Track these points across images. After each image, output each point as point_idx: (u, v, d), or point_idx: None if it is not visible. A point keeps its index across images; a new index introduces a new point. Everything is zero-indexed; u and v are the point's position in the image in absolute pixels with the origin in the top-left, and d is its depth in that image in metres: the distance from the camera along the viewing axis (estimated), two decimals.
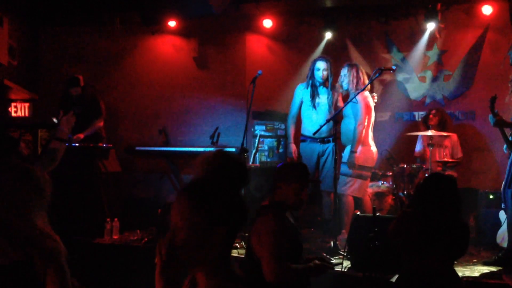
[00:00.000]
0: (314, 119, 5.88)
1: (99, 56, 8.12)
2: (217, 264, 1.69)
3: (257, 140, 7.01)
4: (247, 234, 5.42)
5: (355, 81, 5.67)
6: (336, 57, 7.34)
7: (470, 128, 7.14)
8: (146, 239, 5.65)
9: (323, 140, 5.87)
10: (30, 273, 2.06)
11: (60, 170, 3.99)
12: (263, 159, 7.10)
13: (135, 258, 5.45)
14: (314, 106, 5.91)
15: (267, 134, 7.18)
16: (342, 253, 4.83)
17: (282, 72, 7.60)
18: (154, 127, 7.76)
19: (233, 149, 6.67)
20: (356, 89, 5.61)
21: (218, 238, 1.67)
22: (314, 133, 5.69)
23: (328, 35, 7.41)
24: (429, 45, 7.29)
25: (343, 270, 4.55)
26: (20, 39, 7.62)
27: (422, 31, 7.17)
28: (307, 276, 3.25)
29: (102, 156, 6.39)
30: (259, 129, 7.14)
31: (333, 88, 5.92)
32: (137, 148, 7.18)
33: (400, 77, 7.50)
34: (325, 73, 5.85)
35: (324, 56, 6.10)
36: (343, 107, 5.56)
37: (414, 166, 6.10)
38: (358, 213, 5.29)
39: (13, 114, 7.03)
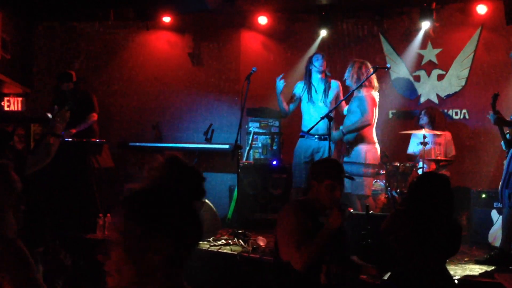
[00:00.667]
0: (312, 115, 5.91)
1: (93, 51, 8.08)
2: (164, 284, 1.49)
3: (251, 137, 7.01)
4: (241, 231, 5.46)
5: (355, 76, 5.70)
6: (331, 54, 7.36)
7: (463, 127, 7.17)
8: None
9: (320, 137, 5.89)
10: None
11: (53, 165, 3.97)
12: (257, 156, 7.09)
13: None
14: (311, 103, 5.95)
15: (261, 131, 7.16)
16: None
17: (276, 69, 7.56)
18: (147, 123, 7.74)
19: (227, 146, 6.68)
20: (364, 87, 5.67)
21: (161, 251, 1.46)
22: (308, 131, 5.71)
23: (323, 33, 7.41)
24: (424, 44, 7.30)
25: None
26: (13, 32, 7.56)
27: (417, 30, 7.19)
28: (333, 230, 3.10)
29: (95, 151, 6.36)
30: (253, 126, 7.13)
31: (328, 84, 5.98)
32: (130, 143, 7.16)
33: (394, 75, 7.51)
34: (324, 62, 5.93)
35: (318, 52, 6.22)
36: (337, 105, 5.57)
37: (408, 165, 6.11)
38: (351, 210, 5.30)
39: (6, 108, 7.00)
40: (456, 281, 4.17)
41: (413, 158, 6.72)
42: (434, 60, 7.33)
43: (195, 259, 5.33)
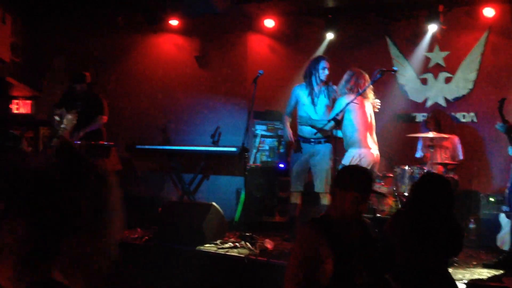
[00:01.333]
0: (314, 117, 5.87)
1: (102, 54, 8.12)
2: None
3: (257, 140, 7.03)
4: (248, 234, 5.47)
5: (348, 86, 5.64)
6: (338, 57, 7.35)
7: (471, 131, 7.14)
8: (146, 237, 5.66)
9: (315, 141, 5.86)
10: None
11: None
12: (264, 159, 7.11)
13: (135, 256, 5.45)
14: (313, 106, 5.91)
15: (268, 134, 7.19)
16: None
17: (283, 72, 7.60)
18: (155, 126, 7.78)
19: (234, 149, 6.70)
20: (351, 94, 5.59)
21: (14, 232, 1.31)
22: (316, 133, 5.69)
23: (330, 36, 7.41)
24: (431, 46, 7.29)
25: None
26: (23, 36, 7.62)
27: (424, 33, 7.17)
28: None
29: (103, 154, 6.38)
30: (260, 129, 7.16)
31: (330, 88, 5.91)
32: (138, 146, 7.20)
33: (401, 78, 7.51)
34: (328, 72, 5.87)
35: (324, 56, 6.10)
36: (343, 108, 5.48)
37: (415, 168, 6.10)
38: None
39: (15, 111, 7.04)
40: (464, 285, 4.17)
41: (423, 159, 6.70)
42: (442, 63, 7.32)
43: (203, 262, 5.32)
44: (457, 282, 3.46)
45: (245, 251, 5.14)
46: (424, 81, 7.42)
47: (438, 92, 7.33)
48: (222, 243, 5.40)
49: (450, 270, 3.65)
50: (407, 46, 7.44)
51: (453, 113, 7.23)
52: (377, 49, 7.60)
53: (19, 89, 6.92)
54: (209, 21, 7.74)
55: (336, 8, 7.33)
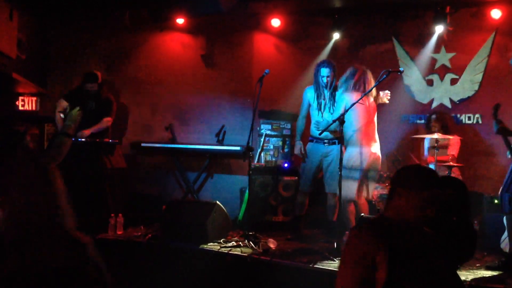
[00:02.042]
0: (319, 120, 5.87)
1: (108, 51, 8.15)
2: None
3: (262, 139, 7.03)
4: (251, 233, 5.47)
5: (351, 83, 5.63)
6: (344, 57, 7.35)
7: (476, 132, 7.12)
8: (150, 235, 5.67)
9: (328, 142, 5.86)
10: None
11: (65, 164, 4.01)
12: (268, 158, 7.11)
13: (138, 254, 5.47)
14: (319, 108, 5.92)
15: (273, 133, 7.19)
16: None
17: (289, 71, 7.59)
18: (160, 124, 7.80)
19: (238, 148, 6.70)
20: (353, 92, 5.59)
21: None
22: (320, 133, 5.70)
23: (336, 36, 7.40)
24: (437, 48, 7.27)
25: None
26: (29, 33, 7.64)
27: (430, 34, 7.15)
28: None
29: (107, 151, 6.41)
30: (265, 128, 7.16)
31: (335, 90, 5.90)
32: (143, 144, 7.22)
33: (407, 79, 7.49)
34: (328, 79, 5.82)
35: (327, 61, 5.96)
36: (348, 109, 5.47)
37: None
38: (362, 214, 5.29)
39: (21, 108, 7.06)
40: (467, 287, 4.15)
41: (428, 162, 6.69)
42: (448, 64, 7.30)
43: (206, 261, 5.31)
44: None
45: (248, 250, 5.14)
46: (430, 82, 7.40)
47: (444, 93, 7.31)
48: (225, 242, 5.41)
49: None
50: (414, 47, 7.42)
51: (458, 115, 7.20)
52: (384, 49, 7.58)
53: (24, 86, 6.95)
54: (215, 20, 7.75)
55: (342, 8, 7.32)
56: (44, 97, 7.51)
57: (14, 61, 7.17)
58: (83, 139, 6.37)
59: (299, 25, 7.73)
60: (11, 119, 6.19)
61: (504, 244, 5.17)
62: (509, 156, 4.98)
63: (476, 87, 7.14)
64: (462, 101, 7.23)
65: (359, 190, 5.59)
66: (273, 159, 7.07)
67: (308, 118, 6.09)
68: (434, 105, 7.34)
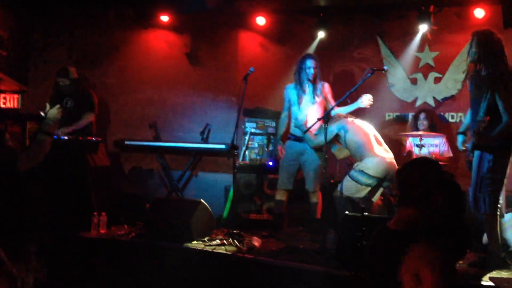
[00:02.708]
0: (299, 117, 5.89)
1: (92, 49, 8.08)
2: None
3: (247, 138, 7.01)
4: (236, 231, 5.45)
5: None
6: (328, 56, 7.37)
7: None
8: (133, 234, 5.63)
9: (303, 139, 5.88)
10: None
11: (48, 163, 3.96)
12: (253, 156, 7.10)
13: (122, 252, 5.42)
14: (299, 105, 5.93)
15: (257, 131, 7.17)
16: (331, 251, 4.84)
17: (274, 70, 7.59)
18: (144, 122, 7.75)
19: (223, 146, 6.68)
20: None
21: None
22: (304, 132, 5.71)
23: (321, 34, 7.41)
24: (421, 47, 7.31)
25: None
26: (11, 29, 7.55)
27: (414, 33, 7.19)
28: None
29: (91, 150, 6.34)
30: (250, 127, 7.14)
31: (318, 85, 5.94)
32: (127, 142, 7.16)
33: (391, 78, 7.52)
34: (316, 70, 5.88)
35: (310, 54, 6.10)
36: (329, 111, 5.51)
37: None
38: (347, 212, 5.29)
39: (2, 106, 6.98)
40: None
41: (410, 157, 6.73)
42: (431, 63, 7.34)
43: (190, 259, 5.28)
44: None
45: (233, 249, 5.12)
46: (414, 81, 7.44)
47: (428, 92, 7.36)
48: (209, 240, 5.38)
49: None
50: (398, 46, 7.46)
51: (441, 113, 7.26)
52: (368, 48, 7.62)
53: (6, 83, 6.86)
54: (200, 17, 7.72)
55: (327, 7, 7.33)
56: (26, 95, 7.42)
57: None
58: (66, 137, 6.30)
59: (284, 24, 7.73)
60: None
61: (485, 240, 5.21)
62: (469, 151, 4.92)
63: (459, 86, 7.19)
64: (445, 99, 7.29)
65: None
66: (258, 157, 7.06)
67: (290, 117, 6.11)
68: (418, 103, 7.39)
